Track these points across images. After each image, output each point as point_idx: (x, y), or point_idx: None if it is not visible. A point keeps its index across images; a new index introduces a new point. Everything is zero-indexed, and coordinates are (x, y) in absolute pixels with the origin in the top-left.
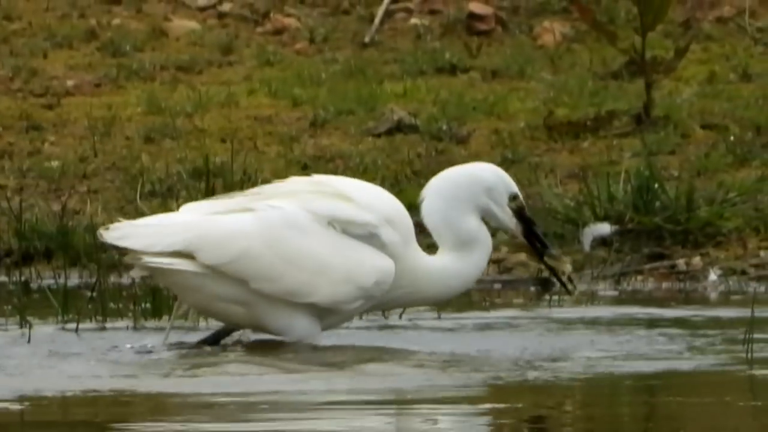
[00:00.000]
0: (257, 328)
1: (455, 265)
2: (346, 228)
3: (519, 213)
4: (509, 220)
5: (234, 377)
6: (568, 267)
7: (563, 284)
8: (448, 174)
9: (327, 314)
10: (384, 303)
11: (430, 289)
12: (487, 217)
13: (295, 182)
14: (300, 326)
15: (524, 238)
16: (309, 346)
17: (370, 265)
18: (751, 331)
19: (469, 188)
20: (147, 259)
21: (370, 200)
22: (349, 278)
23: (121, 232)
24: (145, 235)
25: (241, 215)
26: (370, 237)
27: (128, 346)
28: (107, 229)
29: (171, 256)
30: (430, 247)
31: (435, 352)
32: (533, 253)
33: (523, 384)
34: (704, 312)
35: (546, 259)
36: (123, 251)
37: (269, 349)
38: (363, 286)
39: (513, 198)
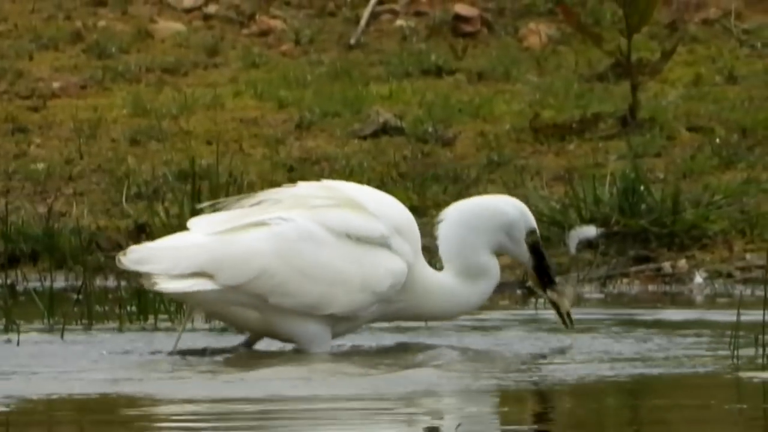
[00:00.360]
0: (269, 335)
1: (461, 289)
2: (359, 238)
3: (533, 247)
4: (523, 254)
5: (251, 382)
6: (566, 304)
7: (563, 319)
8: (471, 204)
9: (340, 322)
10: (385, 315)
11: (433, 305)
12: (501, 251)
13: (305, 187)
14: (312, 334)
15: (533, 271)
16: (319, 352)
17: (384, 269)
18: (737, 333)
19: (490, 222)
20: (164, 285)
21: (382, 208)
22: (365, 286)
23: (139, 255)
24: (163, 258)
25: (255, 232)
26: (381, 246)
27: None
28: (125, 254)
29: (189, 277)
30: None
31: (427, 354)
32: (539, 285)
33: (519, 387)
34: (690, 315)
35: (549, 293)
36: (141, 275)
37: (279, 354)
38: (379, 291)
39: (531, 233)
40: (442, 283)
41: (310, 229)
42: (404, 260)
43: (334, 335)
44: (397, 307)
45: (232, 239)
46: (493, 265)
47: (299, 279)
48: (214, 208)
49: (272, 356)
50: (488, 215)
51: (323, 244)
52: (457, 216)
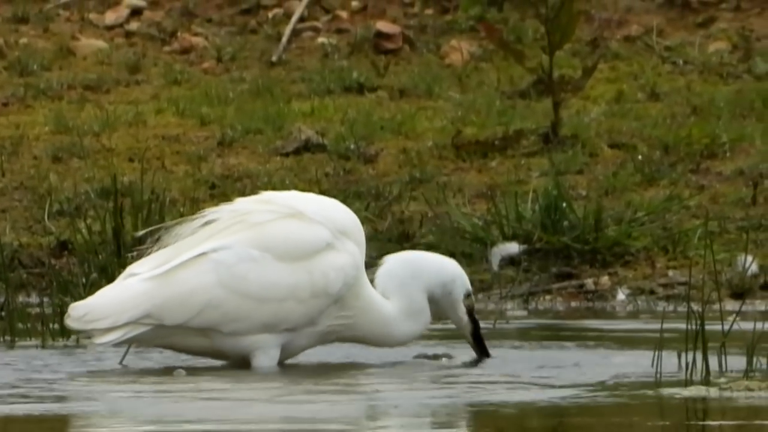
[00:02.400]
0: (218, 357)
1: (398, 319)
2: (304, 251)
3: (469, 312)
4: (462, 317)
5: (210, 402)
6: None
7: None
8: (418, 255)
9: (300, 333)
10: (328, 333)
11: (371, 326)
12: (438, 307)
13: (244, 203)
14: (263, 351)
15: (472, 339)
16: (270, 370)
17: (334, 271)
18: (660, 349)
19: (434, 274)
20: (102, 338)
21: (323, 213)
22: (317, 292)
23: (81, 312)
24: (105, 313)
25: (194, 266)
26: (327, 249)
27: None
28: (68, 314)
29: (131, 324)
30: None
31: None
32: (479, 353)
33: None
34: (612, 331)
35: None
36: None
37: (237, 374)
38: (333, 293)
39: (468, 296)
40: (386, 307)
41: (249, 251)
42: (353, 258)
43: (297, 351)
44: (338, 324)
45: (171, 278)
46: (427, 310)
47: (248, 303)
48: (153, 237)
49: (216, 374)
50: (434, 268)
51: (265, 263)
52: (404, 260)
